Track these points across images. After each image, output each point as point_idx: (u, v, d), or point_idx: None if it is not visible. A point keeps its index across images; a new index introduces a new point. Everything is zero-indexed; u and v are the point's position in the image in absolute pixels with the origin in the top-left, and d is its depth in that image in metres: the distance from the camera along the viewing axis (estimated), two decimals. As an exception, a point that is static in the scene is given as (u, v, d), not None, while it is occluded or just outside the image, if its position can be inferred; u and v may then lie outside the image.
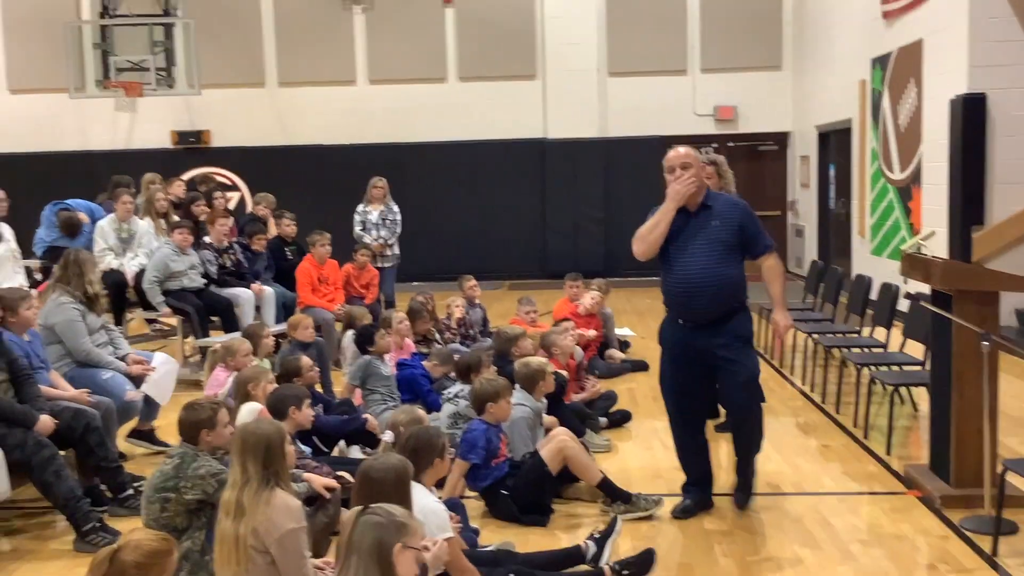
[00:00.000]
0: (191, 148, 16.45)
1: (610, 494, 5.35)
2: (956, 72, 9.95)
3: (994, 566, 4.53)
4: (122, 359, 6.48)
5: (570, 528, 5.19)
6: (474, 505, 5.37)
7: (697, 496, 5.36)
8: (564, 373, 6.80)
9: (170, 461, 4.26)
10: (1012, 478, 4.87)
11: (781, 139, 16.54)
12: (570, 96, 16.03)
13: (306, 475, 4.77)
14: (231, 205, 14.26)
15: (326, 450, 5.96)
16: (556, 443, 5.39)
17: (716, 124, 16.22)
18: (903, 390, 7.35)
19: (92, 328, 6.39)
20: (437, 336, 8.75)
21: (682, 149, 5.14)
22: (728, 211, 5.12)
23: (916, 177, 11.10)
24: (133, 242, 9.40)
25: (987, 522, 4.84)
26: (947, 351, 5.28)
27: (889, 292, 7.68)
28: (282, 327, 8.51)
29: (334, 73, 16.33)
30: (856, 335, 8.22)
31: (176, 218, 9.83)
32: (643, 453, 6.55)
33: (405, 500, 3.50)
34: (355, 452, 6.11)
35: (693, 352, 5.14)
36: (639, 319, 11.65)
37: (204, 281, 9.10)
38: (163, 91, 14.40)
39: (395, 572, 2.88)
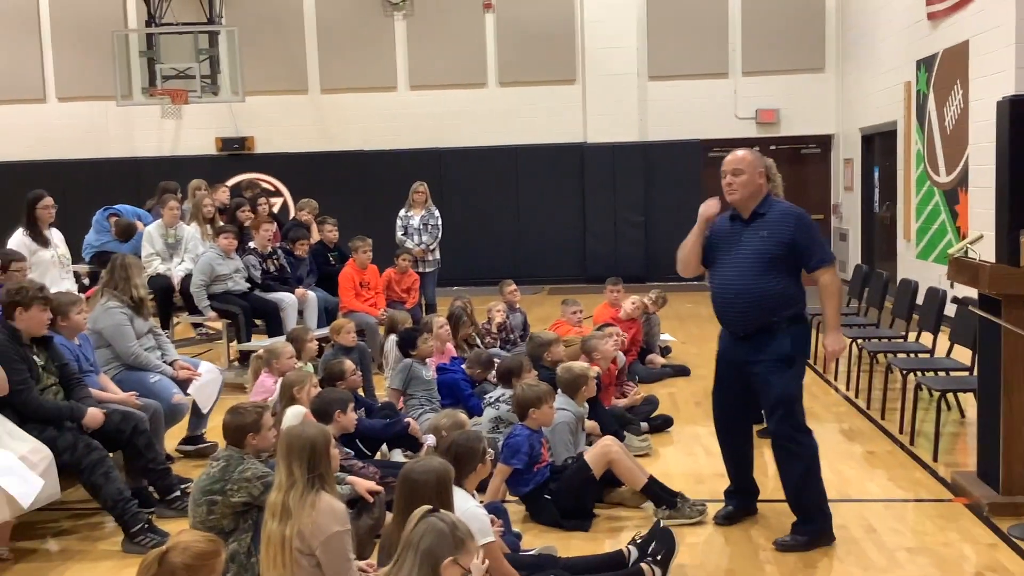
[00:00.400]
0: (235, 154, 16.65)
1: (655, 498, 5.33)
2: (1003, 73, 9.79)
3: (1044, 575, 4.46)
4: (170, 364, 6.58)
5: (612, 532, 5.18)
6: (515, 509, 5.38)
7: (739, 503, 5.30)
8: (598, 369, 6.74)
9: (216, 464, 4.31)
10: (1063, 486, 4.79)
11: (824, 142, 16.38)
12: (610, 100, 16.00)
13: (350, 478, 4.81)
14: (275, 211, 14.41)
15: (368, 453, 6.00)
16: (601, 447, 5.39)
17: (758, 127, 16.10)
18: (950, 396, 7.25)
19: (139, 332, 6.49)
20: (478, 341, 8.77)
21: (739, 153, 4.96)
22: (779, 221, 4.85)
23: (963, 180, 10.94)
24: (180, 247, 9.55)
25: (1037, 530, 4.77)
26: (995, 356, 5.21)
27: (935, 296, 7.57)
28: (325, 331, 8.58)
29: (375, 79, 16.44)
30: (902, 340, 8.12)
31: (221, 223, 9.97)
32: (685, 459, 6.51)
33: (446, 503, 3.52)
34: (397, 455, 6.14)
35: (734, 363, 5.03)
36: (680, 324, 11.59)
37: (248, 285, 9.21)
38: (208, 98, 14.62)
39: None
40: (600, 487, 5.44)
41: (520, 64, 16.25)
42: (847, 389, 8.25)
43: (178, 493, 5.56)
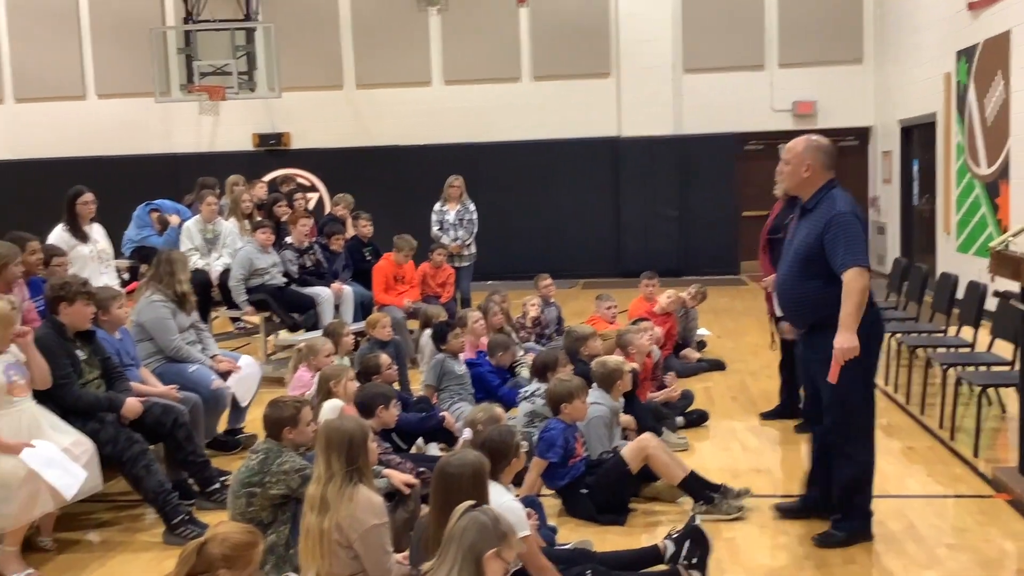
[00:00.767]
0: (272, 150, 16.78)
1: (692, 493, 5.29)
2: (1046, 63, 9.66)
3: (1088, 573, 4.40)
4: (211, 358, 6.65)
5: (648, 527, 5.18)
6: (551, 503, 5.38)
7: (804, 501, 5.17)
8: (635, 366, 6.72)
9: (255, 456, 4.35)
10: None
11: (862, 134, 16.19)
12: (645, 93, 15.93)
13: (386, 471, 4.84)
14: (310, 206, 14.51)
15: (404, 447, 6.03)
16: (638, 441, 5.38)
17: (794, 120, 15.92)
18: (991, 391, 7.14)
19: (182, 326, 6.57)
20: (513, 335, 8.77)
21: (794, 141, 4.90)
22: (820, 218, 4.67)
23: (1004, 172, 10.79)
24: (218, 242, 9.65)
25: (1081, 528, 4.70)
26: (1038, 351, 5.13)
27: (976, 290, 7.47)
28: (360, 325, 8.63)
29: (410, 74, 16.49)
30: (942, 334, 8.02)
31: (258, 219, 10.06)
32: (721, 454, 6.48)
33: (482, 496, 3.53)
34: (432, 449, 6.17)
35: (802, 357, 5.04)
36: (715, 318, 11.53)
37: (285, 280, 9.29)
38: (244, 94, 14.75)
39: (483, 574, 2.93)
40: (637, 482, 5.43)
41: (554, 58, 16.22)
42: (886, 384, 8.16)
43: (218, 485, 5.63)
